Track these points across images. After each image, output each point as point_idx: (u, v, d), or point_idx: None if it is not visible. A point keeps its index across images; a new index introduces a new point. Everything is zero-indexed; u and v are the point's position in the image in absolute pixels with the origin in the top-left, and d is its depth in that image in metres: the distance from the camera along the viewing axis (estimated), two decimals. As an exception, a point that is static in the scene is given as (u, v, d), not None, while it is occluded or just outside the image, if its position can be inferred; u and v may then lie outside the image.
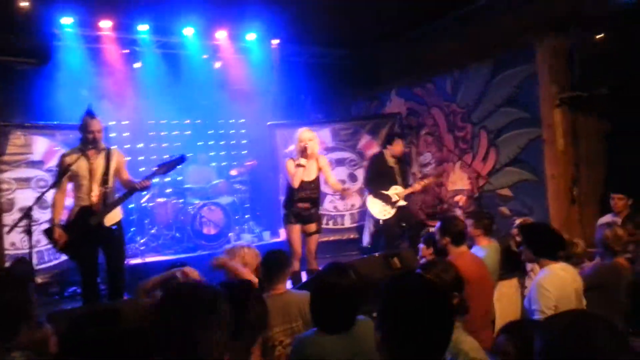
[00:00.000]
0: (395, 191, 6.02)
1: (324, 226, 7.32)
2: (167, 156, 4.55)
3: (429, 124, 7.40)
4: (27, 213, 4.14)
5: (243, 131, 8.77)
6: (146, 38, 6.90)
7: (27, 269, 4.21)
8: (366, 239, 6.42)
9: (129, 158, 5.98)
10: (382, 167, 6.09)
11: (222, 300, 1.44)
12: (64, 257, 4.88)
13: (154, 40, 6.99)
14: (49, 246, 4.92)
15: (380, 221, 6.00)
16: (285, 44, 7.65)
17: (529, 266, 3.96)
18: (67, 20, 6.31)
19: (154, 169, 4.52)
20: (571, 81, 5.62)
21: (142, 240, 6.77)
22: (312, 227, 5.15)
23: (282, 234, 6.41)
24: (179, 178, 7.31)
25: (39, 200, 4.39)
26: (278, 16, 6.53)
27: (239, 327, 1.57)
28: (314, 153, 5.10)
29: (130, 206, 6.75)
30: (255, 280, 3.09)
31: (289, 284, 4.49)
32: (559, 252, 3.07)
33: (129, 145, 7.27)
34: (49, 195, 4.45)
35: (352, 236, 7.33)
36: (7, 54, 6.22)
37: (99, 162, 4.38)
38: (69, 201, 4.56)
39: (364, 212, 6.90)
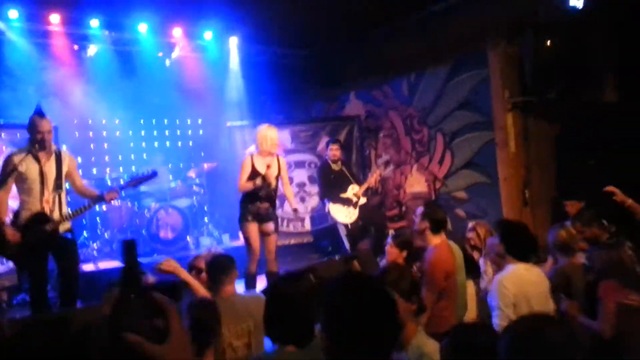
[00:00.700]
0: (353, 191, 6.17)
1: (284, 230, 7.33)
2: (149, 169, 4.64)
3: (386, 127, 7.48)
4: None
5: (200, 132, 8.61)
6: (98, 33, 6.66)
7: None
8: (346, 245, 6.35)
9: (79, 159, 5.76)
10: (330, 174, 6.32)
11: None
12: (11, 264, 4.62)
13: (105, 36, 6.75)
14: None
15: (349, 225, 6.06)
16: (244, 42, 7.57)
17: (482, 268, 4.07)
18: (13, 14, 6.01)
19: (124, 182, 4.57)
20: (522, 86, 5.81)
21: (95, 245, 6.53)
22: (270, 226, 5.01)
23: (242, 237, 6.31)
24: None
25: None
26: (236, 14, 6.45)
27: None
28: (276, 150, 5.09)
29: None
30: (205, 293, 3.01)
31: (241, 287, 4.44)
32: (529, 255, 3.16)
33: (79, 146, 6.99)
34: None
35: (312, 239, 7.31)
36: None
37: (50, 165, 4.20)
38: (13, 203, 4.33)
39: (325, 215, 6.90)
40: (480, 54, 6.15)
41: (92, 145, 7.54)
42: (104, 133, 7.78)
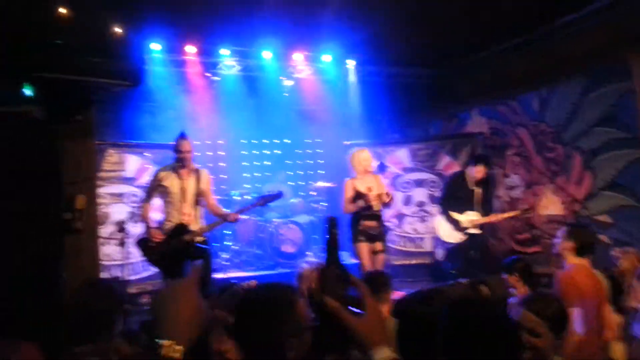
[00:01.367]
0: (467, 217, 5.62)
1: (404, 249, 7.20)
2: (267, 191, 5.07)
3: (514, 144, 7.04)
4: (121, 226, 4.34)
5: (319, 151, 8.82)
6: (227, 61, 7.13)
7: (119, 285, 4.38)
8: (439, 253, 6.10)
9: (213, 177, 6.15)
10: (460, 188, 5.77)
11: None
12: (155, 270, 5.05)
13: (233, 63, 7.21)
14: (141, 259, 5.11)
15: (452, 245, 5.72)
16: (362, 63, 7.64)
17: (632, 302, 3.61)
18: (155, 46, 6.64)
19: (251, 201, 4.90)
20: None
21: (225, 256, 6.91)
22: (379, 245, 5.14)
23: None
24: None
25: (133, 214, 4.59)
26: (355, 36, 6.54)
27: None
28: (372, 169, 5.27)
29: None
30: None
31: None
32: None
33: (211, 164, 7.49)
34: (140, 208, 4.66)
35: (432, 260, 7.06)
36: (103, 76, 6.63)
37: (190, 182, 4.56)
38: (156, 215, 4.76)
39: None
40: (620, 65, 5.62)
41: (221, 164, 8.04)
42: (233, 152, 8.29)
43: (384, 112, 8.45)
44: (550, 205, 6.54)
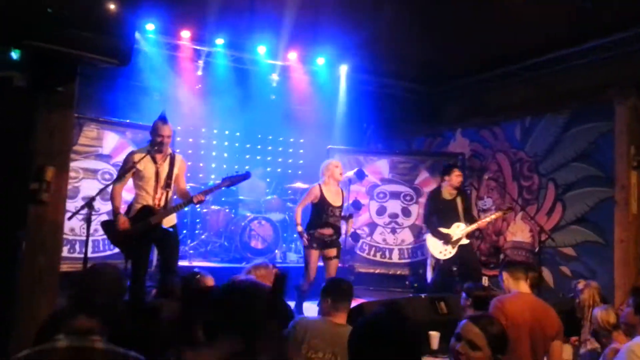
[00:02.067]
0: (458, 229, 5.63)
1: (371, 257, 7.23)
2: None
3: (492, 169, 7.15)
4: (89, 202, 4.25)
5: (301, 151, 8.82)
6: (221, 51, 7.09)
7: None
8: (429, 276, 6.09)
9: (189, 163, 6.11)
10: (439, 203, 5.77)
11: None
12: (116, 250, 4.97)
13: (227, 54, 7.17)
14: (105, 236, 5.03)
15: (441, 261, 5.71)
16: (354, 70, 7.68)
17: (584, 335, 3.69)
18: (149, 27, 6.57)
19: (218, 182, 4.61)
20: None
21: (191, 244, 6.85)
22: (333, 252, 5.19)
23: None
24: (234, 188, 7.38)
25: (102, 191, 4.51)
26: (350, 41, 6.57)
27: None
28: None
29: (185, 209, 6.86)
30: None
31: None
32: None
33: (190, 151, 7.45)
34: (111, 188, 4.57)
35: (398, 272, 7.12)
36: (92, 51, 6.52)
37: (165, 166, 4.49)
38: (128, 195, 4.69)
39: (415, 249, 6.69)
40: (604, 105, 5.75)
41: (202, 152, 7.98)
42: (214, 142, 8.23)
43: (369, 121, 8.51)
44: (519, 232, 6.65)
